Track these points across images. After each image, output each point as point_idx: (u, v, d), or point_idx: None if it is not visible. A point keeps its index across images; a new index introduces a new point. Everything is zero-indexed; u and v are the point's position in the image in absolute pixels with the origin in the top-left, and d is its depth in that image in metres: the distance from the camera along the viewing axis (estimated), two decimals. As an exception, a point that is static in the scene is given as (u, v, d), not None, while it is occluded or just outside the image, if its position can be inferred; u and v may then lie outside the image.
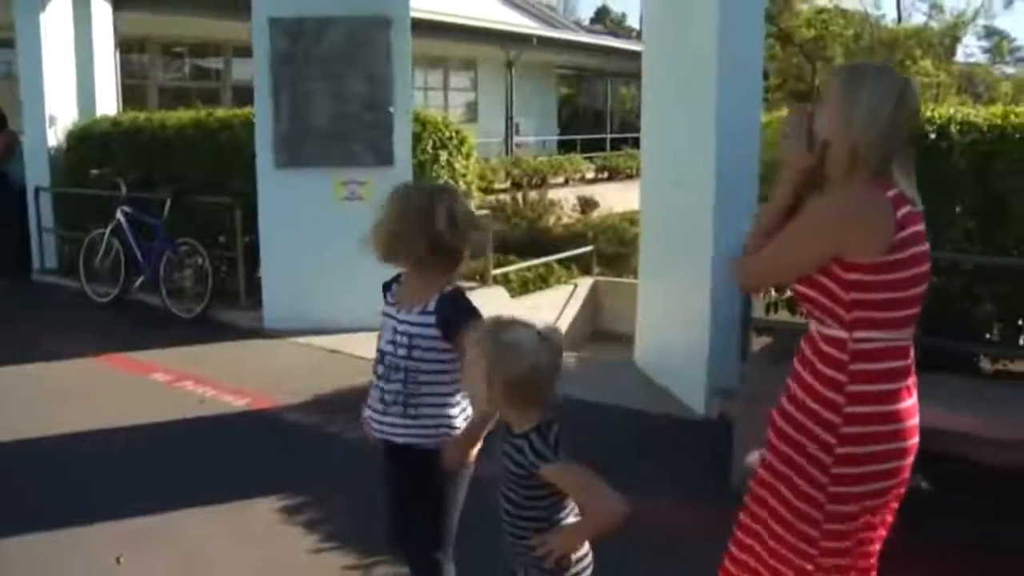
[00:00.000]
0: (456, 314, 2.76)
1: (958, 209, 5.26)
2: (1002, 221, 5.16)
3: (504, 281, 10.29)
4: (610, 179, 23.45)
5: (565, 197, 19.20)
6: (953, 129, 5.15)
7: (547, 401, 2.40)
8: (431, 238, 2.77)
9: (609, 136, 29.49)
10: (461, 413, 2.89)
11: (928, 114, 5.28)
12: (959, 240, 5.33)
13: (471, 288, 9.58)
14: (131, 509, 4.37)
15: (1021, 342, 5.49)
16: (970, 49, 38.64)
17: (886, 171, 2.31)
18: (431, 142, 8.51)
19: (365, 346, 7.35)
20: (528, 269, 11.00)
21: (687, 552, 3.92)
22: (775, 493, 2.53)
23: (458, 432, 2.84)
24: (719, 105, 5.58)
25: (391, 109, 7.58)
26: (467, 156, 9.04)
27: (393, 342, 2.85)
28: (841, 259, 2.30)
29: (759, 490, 2.61)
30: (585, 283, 11.22)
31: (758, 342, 6.08)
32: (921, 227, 2.36)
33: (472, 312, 2.76)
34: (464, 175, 8.97)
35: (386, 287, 3.00)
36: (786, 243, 2.39)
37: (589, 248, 12.72)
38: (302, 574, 3.93)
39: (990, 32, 38.27)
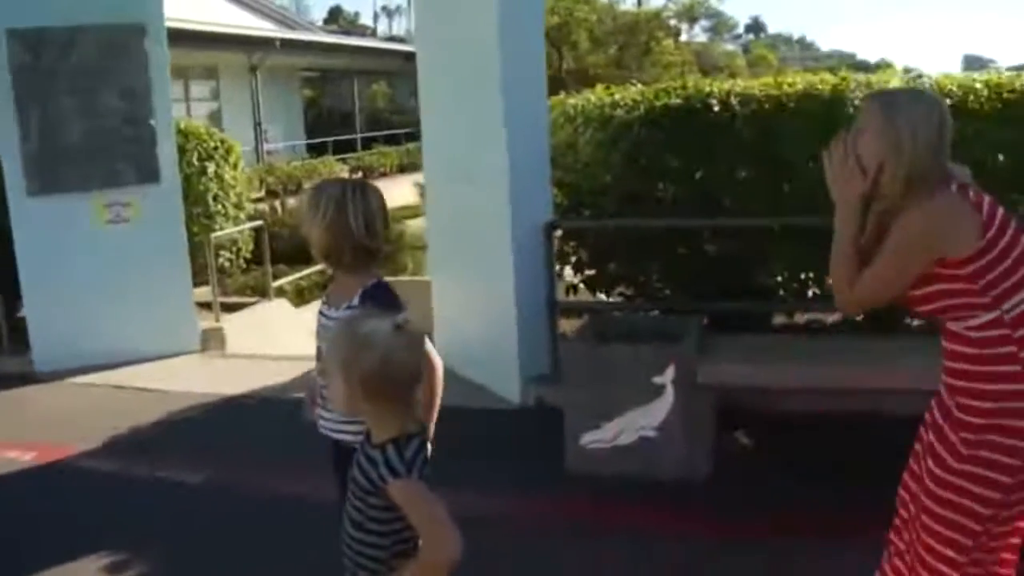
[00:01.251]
0: (372, 303, 2.77)
1: (744, 175, 5.53)
2: (784, 185, 5.47)
3: (282, 293, 9.96)
4: (365, 179, 23.21)
5: (325, 201, 18.80)
6: (734, 101, 5.40)
7: (408, 408, 2.24)
8: (351, 241, 2.80)
9: (359, 136, 29.24)
10: None
11: (708, 88, 5.52)
12: (745, 204, 5.62)
13: (252, 303, 9.23)
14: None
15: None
16: (695, 29, 41.72)
17: (942, 176, 2.43)
18: (196, 154, 8.07)
19: (151, 377, 7.05)
20: (302, 278, 10.68)
21: (540, 544, 3.92)
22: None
23: None
24: (506, 96, 5.54)
25: (152, 122, 7.09)
26: (234, 166, 8.66)
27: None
28: (945, 262, 2.41)
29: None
30: (370, 283, 10.96)
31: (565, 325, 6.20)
32: (990, 200, 2.46)
33: (392, 304, 2.71)
34: (233, 186, 8.57)
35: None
36: (887, 265, 2.48)
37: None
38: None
39: (711, 14, 41.35)
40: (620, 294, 6.32)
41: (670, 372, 4.53)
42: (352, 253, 2.83)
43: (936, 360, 2.61)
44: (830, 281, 2.67)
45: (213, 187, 8.08)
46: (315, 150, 26.38)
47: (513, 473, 4.76)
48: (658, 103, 5.66)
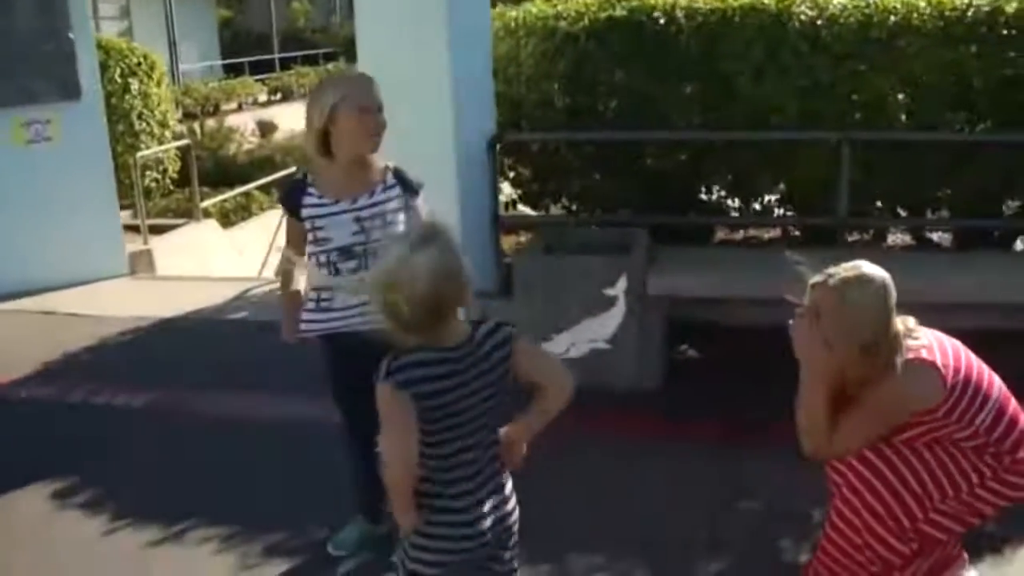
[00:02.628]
0: (409, 180, 3.16)
1: (688, 90, 5.49)
2: (729, 100, 5.46)
3: (207, 215, 9.70)
4: (284, 100, 22.78)
5: (244, 123, 18.29)
6: (679, 14, 5.33)
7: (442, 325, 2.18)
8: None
9: (277, 57, 28.42)
10: None
11: (653, 1, 5.43)
12: (690, 119, 5.60)
13: (179, 225, 8.97)
14: None
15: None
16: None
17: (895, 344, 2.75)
18: (118, 70, 7.71)
19: (81, 302, 6.80)
20: (227, 200, 10.43)
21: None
22: None
23: None
24: (449, 7, 5.37)
25: (71, 36, 6.74)
26: (159, 83, 8.31)
27: (362, 231, 3.00)
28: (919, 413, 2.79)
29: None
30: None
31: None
32: (937, 341, 2.82)
33: (412, 181, 3.17)
34: (158, 104, 8.24)
35: (293, 194, 3.09)
36: (864, 428, 2.83)
37: (292, 170, 12.25)
38: (93, 564, 3.48)
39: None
40: (564, 208, 6.28)
41: (621, 284, 4.53)
42: None
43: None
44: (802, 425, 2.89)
45: (137, 105, 7.75)
46: (233, 71, 25.57)
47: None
48: (602, 15, 5.57)
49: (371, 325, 2.73)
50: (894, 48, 5.20)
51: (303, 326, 3.12)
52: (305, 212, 3.06)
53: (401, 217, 3.09)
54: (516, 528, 2.35)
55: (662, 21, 5.37)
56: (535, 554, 3.09)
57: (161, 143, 9.37)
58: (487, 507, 2.26)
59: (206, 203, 9.71)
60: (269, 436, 4.35)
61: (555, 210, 6.36)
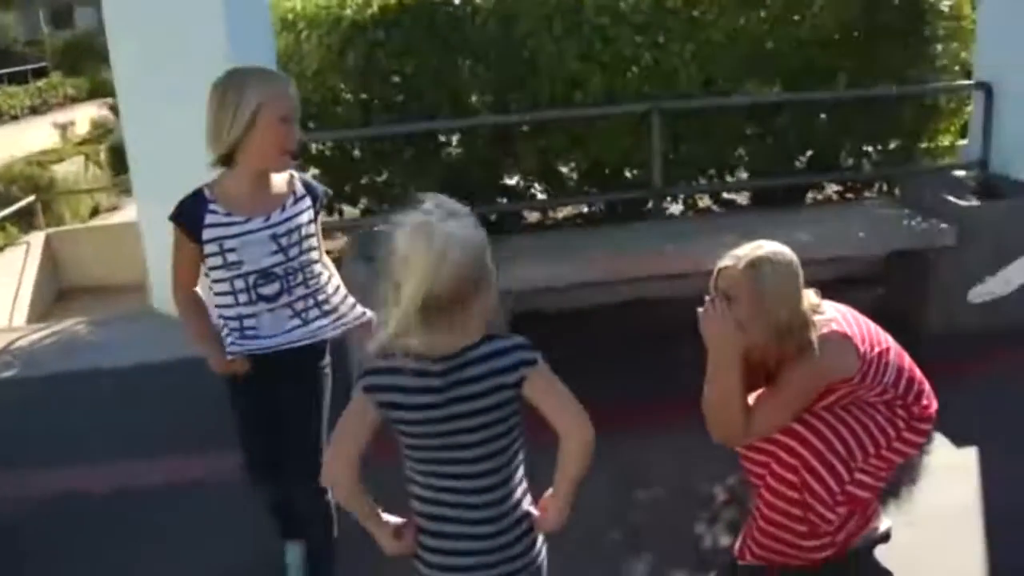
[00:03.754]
0: (317, 190, 2.75)
1: (488, 73, 5.27)
2: (531, 80, 5.28)
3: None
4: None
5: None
6: (475, -7, 5.10)
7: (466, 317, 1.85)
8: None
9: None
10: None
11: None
12: (491, 103, 5.39)
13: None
14: None
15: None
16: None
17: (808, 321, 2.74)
18: None
19: None
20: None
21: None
22: None
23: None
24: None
25: None
26: None
27: (280, 249, 2.60)
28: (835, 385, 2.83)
29: None
30: (36, 239, 9.67)
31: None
32: (846, 314, 2.87)
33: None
34: None
35: (192, 212, 2.58)
36: (784, 407, 2.82)
37: (27, 200, 11.06)
38: None
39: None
40: (363, 210, 5.90)
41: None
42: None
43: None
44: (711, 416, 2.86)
45: None
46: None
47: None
48: (391, 1, 5.23)
49: (314, 339, 2.67)
50: (690, 17, 5.21)
51: (234, 349, 2.61)
52: (209, 233, 2.57)
53: (314, 231, 2.70)
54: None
55: (456, 2, 5.12)
56: None
57: None
58: (487, 558, 1.93)
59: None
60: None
61: (350, 212, 5.97)
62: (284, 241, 2.61)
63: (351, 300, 2.79)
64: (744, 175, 5.96)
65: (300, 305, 2.65)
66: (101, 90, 23.59)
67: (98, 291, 8.92)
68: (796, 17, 5.35)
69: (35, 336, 5.84)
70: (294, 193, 2.68)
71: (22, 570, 3.38)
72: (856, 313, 2.93)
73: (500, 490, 1.94)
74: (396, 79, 5.38)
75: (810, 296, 2.80)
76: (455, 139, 5.64)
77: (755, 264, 2.69)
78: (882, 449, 2.89)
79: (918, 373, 2.97)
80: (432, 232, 1.77)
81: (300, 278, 2.65)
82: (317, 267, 2.70)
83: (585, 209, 6.11)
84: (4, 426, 4.55)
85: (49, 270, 9.47)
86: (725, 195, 6.13)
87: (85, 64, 26.53)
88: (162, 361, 4.99)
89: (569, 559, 3.04)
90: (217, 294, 2.64)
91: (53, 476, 3.98)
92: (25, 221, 10.64)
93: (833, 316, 2.84)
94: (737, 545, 3.07)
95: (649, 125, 5.22)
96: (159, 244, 5.85)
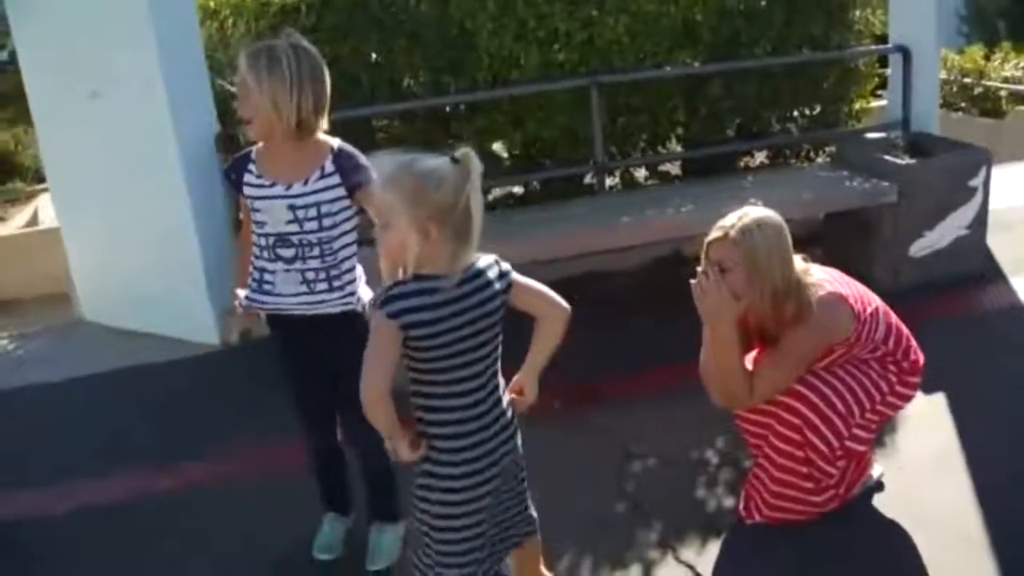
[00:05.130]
0: (358, 167, 2.67)
1: (423, 55, 5.20)
2: (467, 60, 5.22)
3: None
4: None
5: None
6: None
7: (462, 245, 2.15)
8: (300, 112, 2.59)
9: None
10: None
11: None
12: (427, 85, 5.31)
13: None
14: None
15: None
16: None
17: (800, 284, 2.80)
18: None
19: None
20: None
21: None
22: None
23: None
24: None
25: None
26: None
27: (296, 220, 2.67)
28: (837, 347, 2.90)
29: None
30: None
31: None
32: (838, 277, 2.95)
33: (367, 164, 2.62)
34: None
35: (235, 169, 2.77)
36: (787, 370, 2.86)
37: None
38: None
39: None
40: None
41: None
42: (299, 124, 2.60)
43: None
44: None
45: None
46: None
47: (259, 420, 4.09)
48: (321, -17, 5.09)
49: (316, 311, 2.76)
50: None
51: (246, 303, 2.83)
52: (245, 190, 2.76)
53: (341, 210, 2.72)
54: (523, 464, 2.40)
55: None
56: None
57: None
58: (492, 444, 2.25)
59: None
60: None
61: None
62: (301, 214, 2.67)
63: (364, 288, 2.83)
64: (677, 148, 6.01)
65: (311, 275, 2.73)
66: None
67: (9, 305, 8.49)
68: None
69: None
70: (322, 169, 2.68)
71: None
72: (843, 274, 3.00)
73: (497, 386, 2.28)
74: (329, 63, 5.22)
75: (797, 260, 2.85)
76: (392, 123, 5.53)
77: (745, 231, 2.74)
78: (876, 404, 2.96)
79: (905, 329, 3.05)
80: (454, 171, 2.09)
81: (316, 251, 2.71)
82: (338, 243, 2.73)
83: (519, 189, 6.07)
84: None
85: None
86: (659, 168, 6.18)
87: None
88: (89, 374, 4.84)
89: (580, 532, 3.08)
90: (253, 244, 2.79)
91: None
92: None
93: (824, 278, 2.90)
94: (742, 506, 3.11)
95: (587, 101, 5.23)
96: (84, 252, 5.68)
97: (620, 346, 4.45)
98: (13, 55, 5.47)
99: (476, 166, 2.12)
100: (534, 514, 2.51)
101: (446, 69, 5.26)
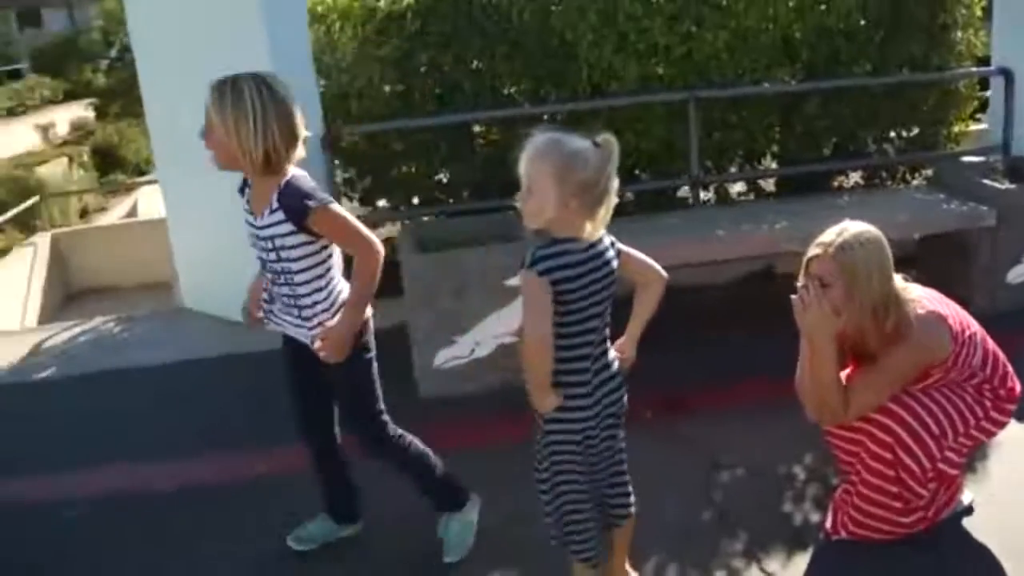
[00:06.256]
0: (298, 200, 2.66)
1: (526, 64, 5.30)
2: (568, 70, 5.31)
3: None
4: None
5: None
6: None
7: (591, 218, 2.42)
8: (264, 147, 2.63)
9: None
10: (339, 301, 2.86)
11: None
12: (532, 92, 5.41)
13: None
14: None
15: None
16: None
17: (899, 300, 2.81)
18: None
19: None
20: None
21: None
22: None
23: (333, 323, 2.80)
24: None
25: None
26: None
27: (263, 250, 2.80)
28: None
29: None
30: (42, 241, 9.53)
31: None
32: (950, 307, 2.96)
33: (312, 192, 2.68)
34: None
35: (241, 191, 2.88)
36: (883, 388, 2.89)
37: (32, 201, 10.96)
38: None
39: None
40: (394, 204, 5.89)
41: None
42: (265, 159, 2.65)
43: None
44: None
45: None
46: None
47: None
48: (426, -8, 5.24)
49: (301, 337, 2.89)
50: (723, 6, 5.27)
51: (259, 314, 3.02)
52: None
53: (299, 244, 2.74)
54: (625, 403, 2.64)
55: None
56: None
57: None
58: (605, 389, 2.56)
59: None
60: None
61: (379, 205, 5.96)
62: (262, 244, 2.78)
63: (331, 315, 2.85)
64: (772, 164, 6.01)
65: (289, 302, 2.86)
66: (78, 92, 23.32)
67: (109, 292, 8.85)
68: (823, 7, 5.41)
69: (66, 335, 5.80)
70: (270, 205, 2.71)
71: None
72: (942, 295, 3.00)
73: (606, 339, 2.58)
74: (433, 70, 5.37)
75: (897, 278, 2.86)
76: (492, 130, 5.65)
77: (845, 247, 2.75)
78: (970, 428, 2.95)
79: (1002, 355, 3.04)
80: (595, 151, 2.39)
81: (283, 280, 2.82)
82: (298, 278, 2.78)
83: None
84: (53, 428, 4.52)
85: (57, 272, 9.37)
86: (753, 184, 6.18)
87: (65, 65, 26.15)
88: (198, 358, 5.09)
89: (667, 539, 3.13)
90: None
91: (108, 475, 3.98)
92: (18, 224, 10.49)
93: (924, 295, 2.91)
94: (828, 522, 3.13)
95: (685, 114, 5.28)
96: (187, 242, 5.90)
97: (711, 359, 4.49)
98: (120, 53, 5.74)
99: (615, 150, 2.37)
100: (632, 497, 2.76)
101: (546, 78, 5.36)
